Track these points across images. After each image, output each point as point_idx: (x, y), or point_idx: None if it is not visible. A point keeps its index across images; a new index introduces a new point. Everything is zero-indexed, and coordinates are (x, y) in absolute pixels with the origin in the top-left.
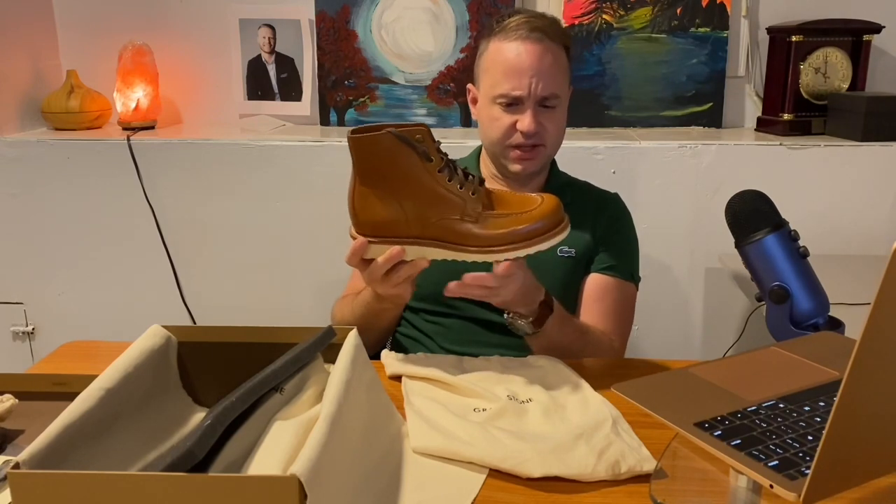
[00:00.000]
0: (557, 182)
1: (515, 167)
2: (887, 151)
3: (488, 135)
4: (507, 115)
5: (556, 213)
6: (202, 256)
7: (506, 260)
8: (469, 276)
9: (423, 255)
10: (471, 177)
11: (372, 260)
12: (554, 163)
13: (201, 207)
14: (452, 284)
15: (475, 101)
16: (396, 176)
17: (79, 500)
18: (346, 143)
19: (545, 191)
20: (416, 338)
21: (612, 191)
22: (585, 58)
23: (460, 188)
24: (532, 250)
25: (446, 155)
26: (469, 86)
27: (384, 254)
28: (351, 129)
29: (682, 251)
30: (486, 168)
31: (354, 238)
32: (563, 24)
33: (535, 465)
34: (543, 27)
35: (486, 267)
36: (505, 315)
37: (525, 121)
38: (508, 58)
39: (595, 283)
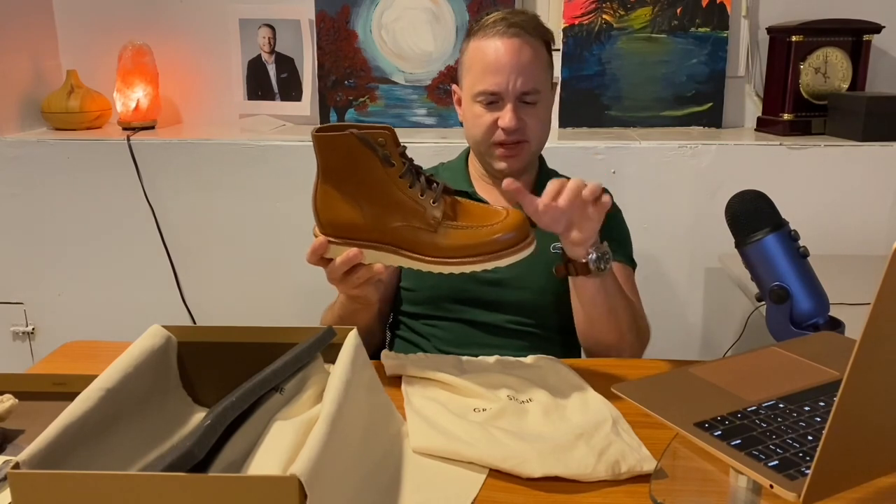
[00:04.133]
0: (547, 180)
1: (500, 165)
2: (887, 151)
3: (472, 134)
4: (488, 114)
5: (518, 230)
6: (202, 256)
7: (462, 273)
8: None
9: (381, 260)
10: (434, 185)
11: (332, 259)
12: (543, 161)
13: (201, 207)
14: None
15: (460, 102)
16: (357, 178)
17: (79, 500)
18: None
19: (535, 188)
20: (415, 342)
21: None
22: (585, 58)
23: (421, 195)
24: (489, 265)
25: (411, 160)
26: (453, 87)
27: (342, 255)
28: (316, 126)
29: (682, 251)
30: (475, 168)
31: (316, 237)
32: (542, 18)
33: (535, 465)
34: (520, 23)
35: (450, 276)
36: (592, 255)
37: (506, 117)
38: (487, 55)
39: None
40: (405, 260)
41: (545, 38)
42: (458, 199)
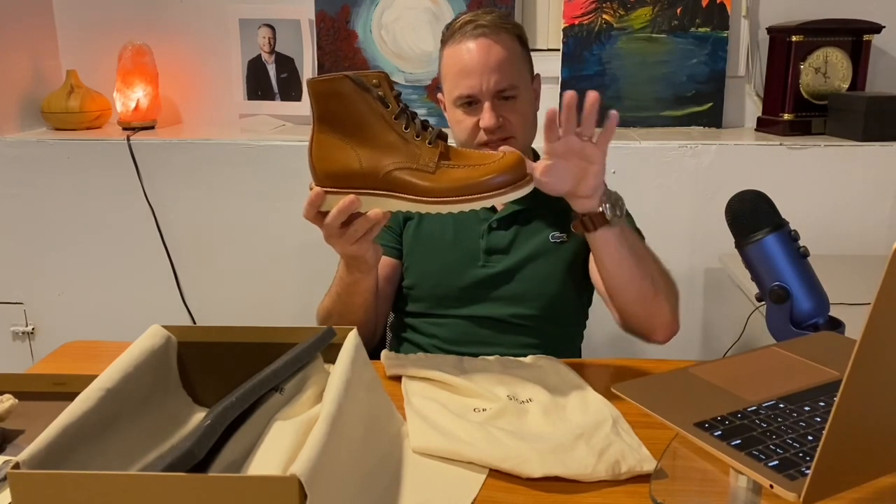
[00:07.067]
0: None
1: None
2: (887, 151)
3: (458, 139)
4: (469, 117)
5: (515, 168)
6: (202, 256)
7: (460, 212)
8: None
9: (378, 205)
10: (430, 127)
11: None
12: (538, 156)
13: (201, 207)
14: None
15: (446, 109)
16: (352, 122)
17: (79, 500)
18: None
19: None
20: (417, 342)
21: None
22: (585, 58)
23: (416, 137)
24: (489, 203)
25: (406, 105)
26: (438, 95)
27: (338, 203)
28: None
29: (682, 251)
30: None
31: (312, 190)
32: (511, 15)
33: (535, 465)
34: (487, 23)
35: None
36: (606, 205)
37: (485, 116)
38: (458, 60)
39: None
40: (403, 203)
41: (515, 32)
42: (451, 146)
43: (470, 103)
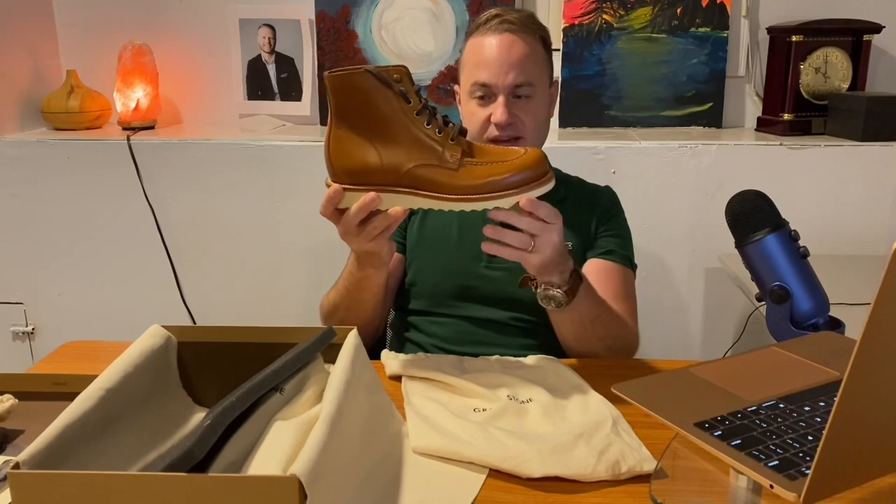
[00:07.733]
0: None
1: None
2: (887, 151)
3: (469, 132)
4: (482, 110)
5: (538, 165)
6: (202, 256)
7: (484, 210)
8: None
9: (399, 203)
10: (451, 123)
11: (346, 211)
12: (547, 160)
13: (201, 207)
14: (488, 228)
15: (461, 102)
16: (372, 117)
17: (79, 500)
18: None
19: None
20: (417, 340)
21: (604, 185)
22: (585, 58)
23: (439, 133)
24: (513, 200)
25: (427, 99)
26: (454, 87)
27: (357, 201)
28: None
29: (682, 251)
30: None
31: (329, 187)
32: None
33: (535, 465)
34: (514, 20)
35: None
36: (538, 290)
37: (497, 111)
38: (479, 51)
39: (597, 267)
40: (424, 200)
41: (540, 34)
42: (472, 141)
43: (484, 96)
